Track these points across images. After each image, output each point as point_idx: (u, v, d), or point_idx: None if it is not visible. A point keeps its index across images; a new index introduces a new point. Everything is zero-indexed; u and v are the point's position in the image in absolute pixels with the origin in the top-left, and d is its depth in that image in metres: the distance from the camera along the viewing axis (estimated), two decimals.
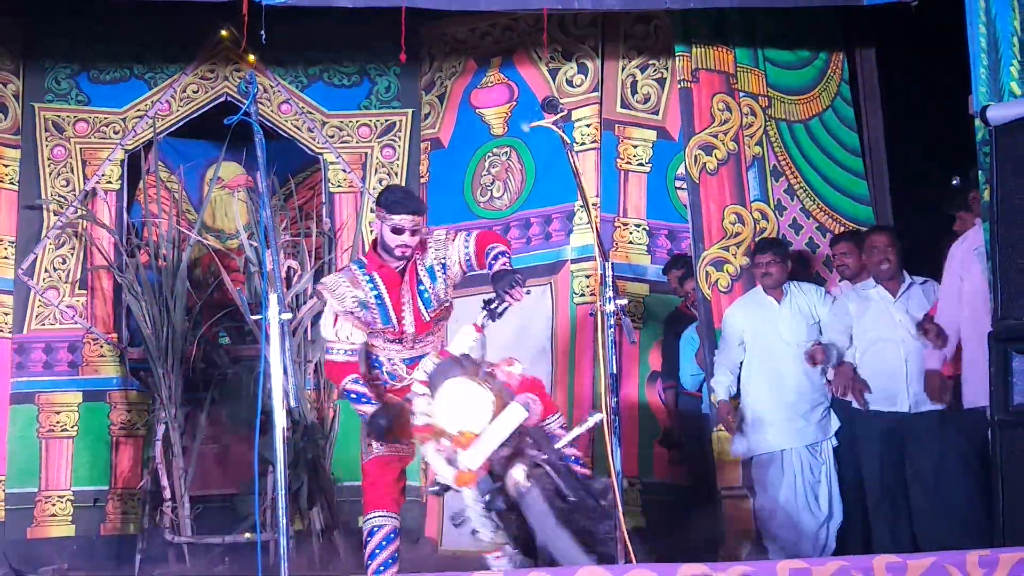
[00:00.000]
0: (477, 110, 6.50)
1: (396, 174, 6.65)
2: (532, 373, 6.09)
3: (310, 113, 6.62)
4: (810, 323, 5.17)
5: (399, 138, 6.69)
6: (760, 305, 5.21)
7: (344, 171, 6.62)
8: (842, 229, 5.70)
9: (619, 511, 3.48)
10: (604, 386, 3.61)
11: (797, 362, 5.08)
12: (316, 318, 6.19)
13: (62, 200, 6.32)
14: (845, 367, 4.97)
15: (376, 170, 6.65)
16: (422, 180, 6.65)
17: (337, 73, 6.68)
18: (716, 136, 5.62)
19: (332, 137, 6.64)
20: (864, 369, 4.98)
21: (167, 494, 5.75)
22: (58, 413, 6.16)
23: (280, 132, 6.54)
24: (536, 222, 6.24)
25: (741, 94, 5.69)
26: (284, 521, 3.09)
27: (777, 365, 5.12)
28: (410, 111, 6.70)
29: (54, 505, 6.07)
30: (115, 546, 6.00)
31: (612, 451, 3.54)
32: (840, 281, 5.36)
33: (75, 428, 6.17)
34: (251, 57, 6.23)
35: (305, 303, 6.12)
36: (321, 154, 6.63)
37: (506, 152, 6.39)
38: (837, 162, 5.88)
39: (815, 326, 5.17)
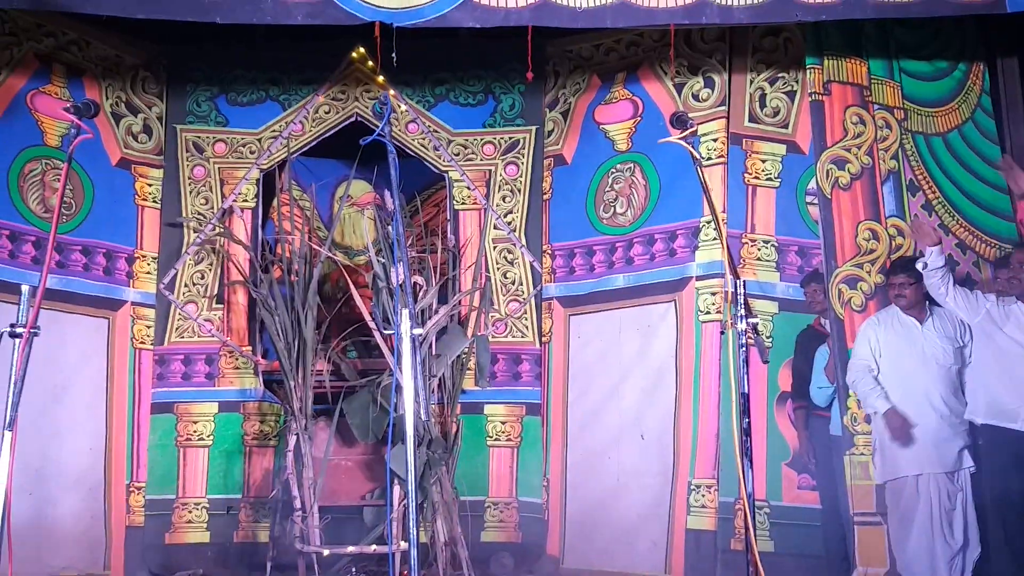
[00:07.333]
0: (601, 126, 6.49)
1: (520, 191, 6.68)
2: (654, 392, 6.10)
3: (436, 132, 6.72)
4: (956, 346, 4.99)
5: (523, 155, 6.72)
6: (901, 325, 5.03)
7: (468, 188, 6.69)
8: (984, 246, 5.46)
9: (751, 534, 3.40)
10: (735, 406, 3.53)
11: (942, 385, 4.91)
12: (440, 333, 6.29)
13: (201, 218, 6.54)
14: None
15: (500, 187, 6.70)
16: (545, 197, 6.67)
17: (463, 92, 6.77)
18: (849, 150, 5.47)
19: (457, 155, 6.73)
20: (994, 382, 4.82)
21: (297, 504, 5.87)
22: (195, 423, 6.33)
23: (408, 151, 6.66)
24: (660, 238, 6.17)
25: (875, 106, 5.53)
26: (414, 532, 3.13)
27: (920, 388, 4.94)
28: (534, 128, 6.73)
29: (190, 512, 6.23)
30: (248, 553, 6.11)
31: (743, 473, 3.46)
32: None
33: (211, 437, 6.32)
34: (380, 78, 6.38)
35: (431, 318, 6.20)
36: (447, 172, 6.72)
37: (630, 168, 6.36)
38: (978, 176, 5.66)
39: (960, 349, 4.98)
